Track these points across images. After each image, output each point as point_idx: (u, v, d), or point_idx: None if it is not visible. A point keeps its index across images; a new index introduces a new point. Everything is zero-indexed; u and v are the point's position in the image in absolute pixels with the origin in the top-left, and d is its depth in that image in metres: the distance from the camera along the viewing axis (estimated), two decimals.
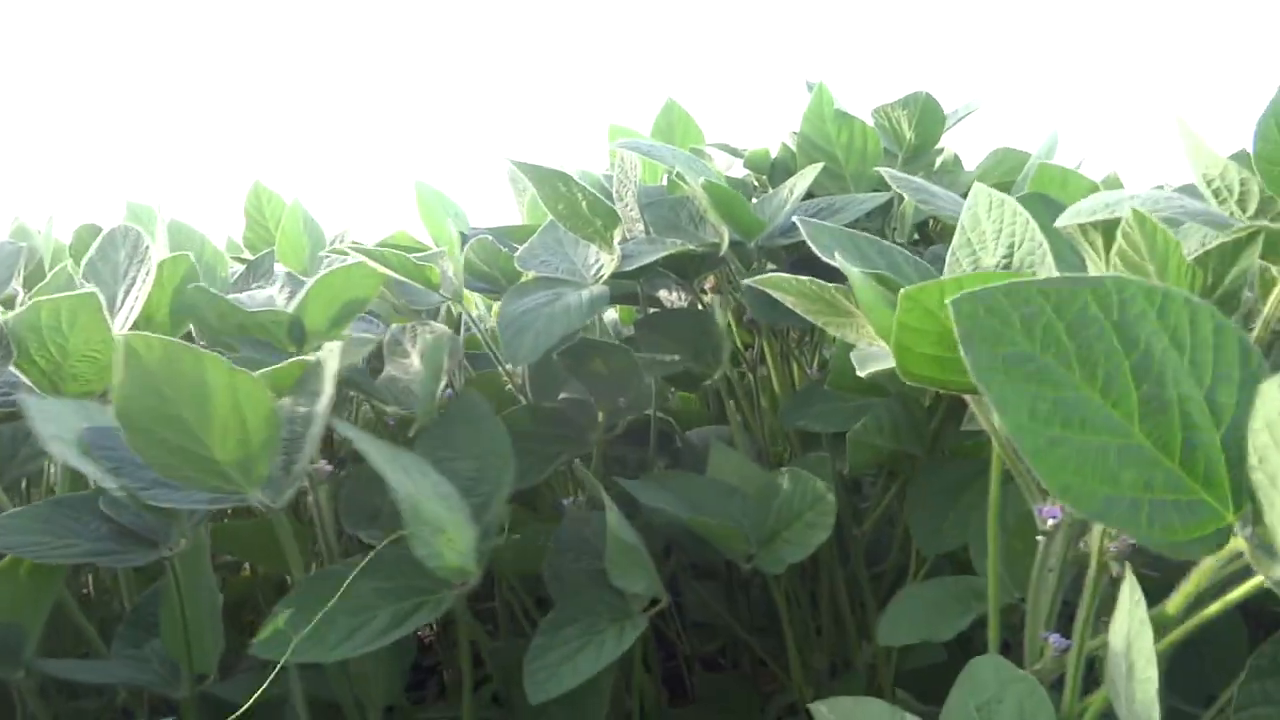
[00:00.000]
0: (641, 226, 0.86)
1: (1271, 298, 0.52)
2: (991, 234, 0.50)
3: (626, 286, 0.91)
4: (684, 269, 0.91)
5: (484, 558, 0.65)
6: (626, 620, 0.66)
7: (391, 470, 0.60)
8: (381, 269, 0.73)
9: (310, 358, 0.66)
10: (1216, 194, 0.53)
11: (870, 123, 0.95)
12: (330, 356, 0.65)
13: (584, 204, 0.72)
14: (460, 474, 0.70)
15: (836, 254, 0.49)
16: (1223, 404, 0.33)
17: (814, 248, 0.53)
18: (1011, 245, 0.49)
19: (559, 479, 0.95)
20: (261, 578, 1.00)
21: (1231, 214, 0.47)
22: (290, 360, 0.65)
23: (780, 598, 0.85)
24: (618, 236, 0.74)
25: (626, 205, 0.88)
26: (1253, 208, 0.52)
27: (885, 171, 0.76)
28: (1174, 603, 0.43)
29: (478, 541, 0.65)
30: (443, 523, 0.60)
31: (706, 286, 1.04)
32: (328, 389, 0.63)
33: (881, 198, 0.82)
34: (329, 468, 0.76)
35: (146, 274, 0.72)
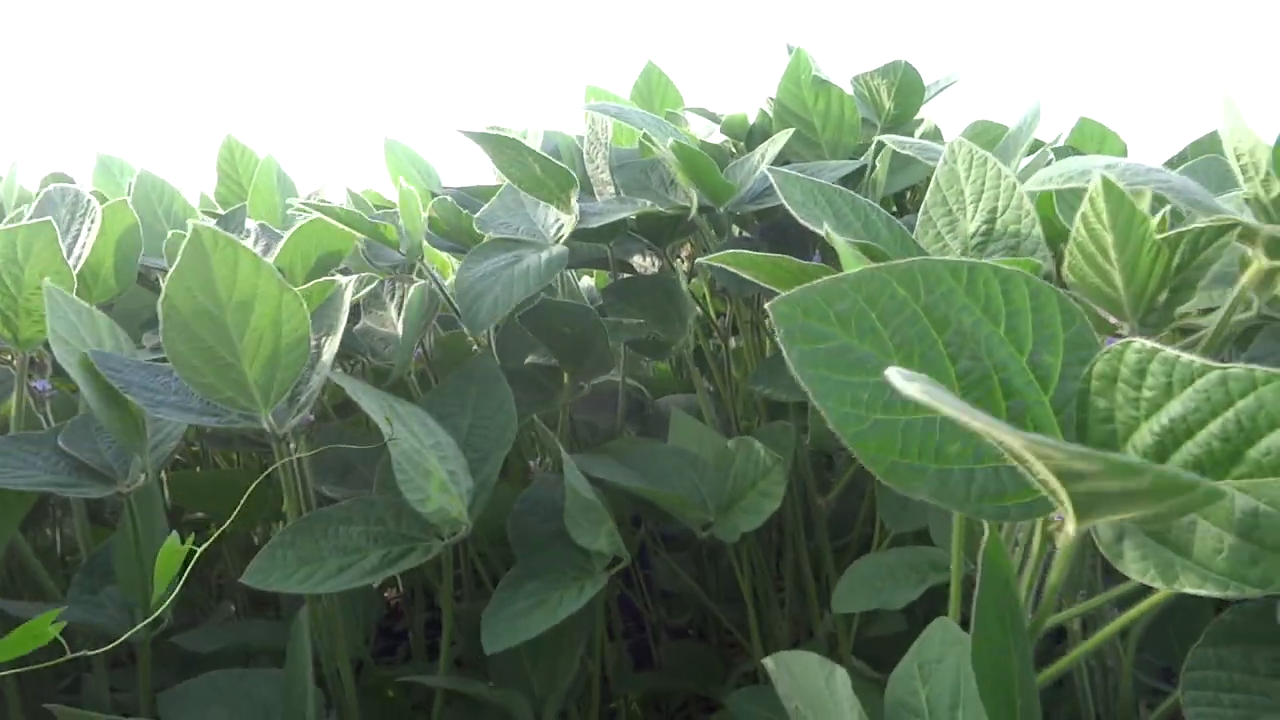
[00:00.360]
0: (613, 189, 0.84)
1: (1239, 284, 0.52)
2: (971, 196, 0.49)
3: (596, 250, 0.90)
4: (656, 234, 0.90)
5: (477, 509, 0.65)
6: (587, 578, 0.66)
7: (385, 417, 0.60)
8: (338, 225, 0.72)
9: (338, 278, 0.65)
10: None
11: (850, 91, 0.94)
12: (348, 286, 0.65)
13: (537, 167, 0.71)
14: (461, 429, 0.69)
15: (825, 225, 0.48)
16: (1048, 364, 0.33)
17: (784, 200, 0.52)
18: (994, 210, 0.48)
19: (527, 443, 0.94)
20: (227, 536, 1.00)
21: (1255, 196, 0.46)
22: (318, 281, 0.64)
23: (743, 567, 0.85)
24: (574, 197, 0.73)
25: (597, 167, 0.87)
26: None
27: (887, 137, 0.75)
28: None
29: (471, 493, 0.64)
30: (436, 471, 0.60)
31: (683, 254, 1.03)
32: (343, 320, 0.62)
33: (855, 165, 0.81)
34: (311, 417, 0.75)
35: (91, 225, 0.71)
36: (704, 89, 1.07)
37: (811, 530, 0.89)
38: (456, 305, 0.67)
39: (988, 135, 0.96)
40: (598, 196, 0.88)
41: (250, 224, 0.97)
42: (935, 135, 1.05)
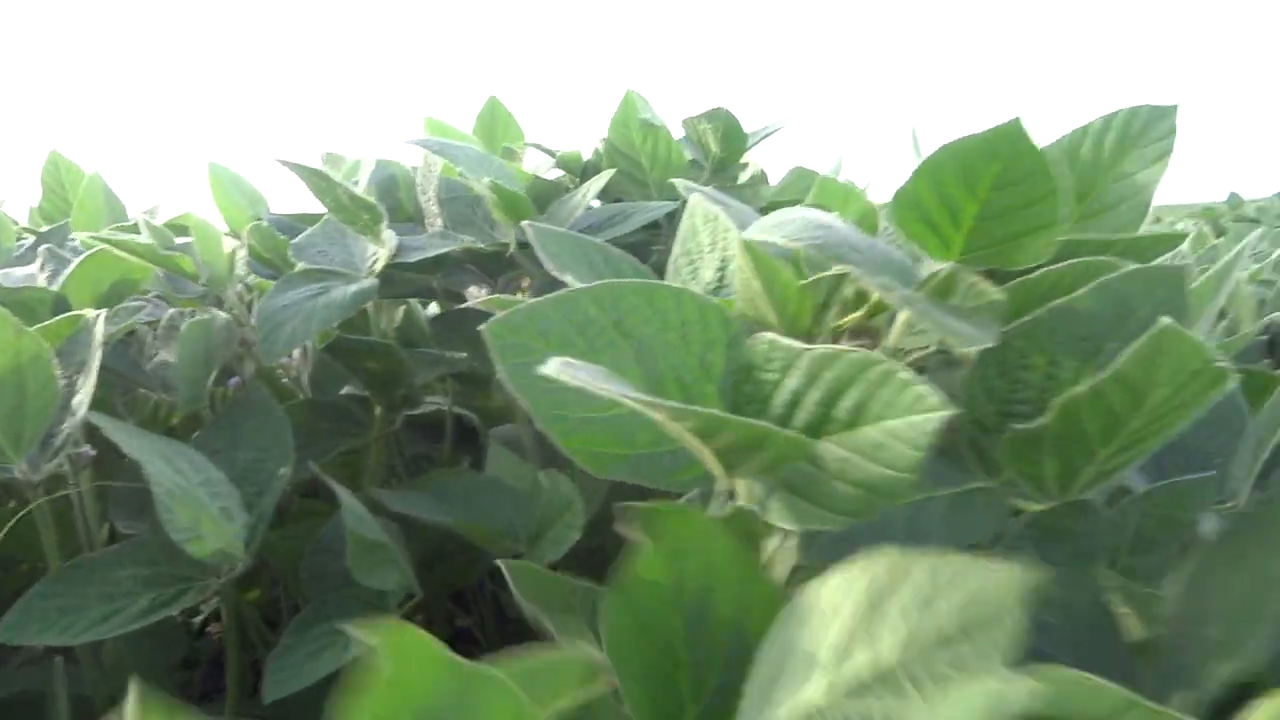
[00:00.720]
0: (441, 222, 0.85)
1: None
2: (707, 247, 0.52)
3: (421, 281, 0.90)
4: (488, 265, 0.91)
5: (254, 544, 0.64)
6: (380, 616, 0.66)
7: (147, 457, 0.59)
8: (126, 256, 0.70)
9: (87, 313, 0.63)
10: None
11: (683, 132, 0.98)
12: (98, 322, 0.63)
13: (346, 199, 0.71)
14: (238, 462, 0.68)
15: (567, 275, 0.51)
16: (712, 362, 0.41)
17: (539, 252, 0.54)
18: (724, 260, 0.51)
19: (350, 477, 0.94)
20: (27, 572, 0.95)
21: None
22: (58, 319, 0.62)
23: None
24: (384, 230, 0.73)
25: (429, 199, 0.88)
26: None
27: (679, 182, 0.78)
28: None
29: (248, 528, 0.64)
30: (204, 508, 0.59)
31: (523, 284, 1.04)
32: (96, 358, 0.60)
33: (668, 206, 0.84)
34: (92, 452, 0.73)
35: None
36: (567, 125, 1.09)
37: None
38: (258, 332, 0.67)
39: (803, 181, 1.01)
40: (429, 228, 0.88)
41: (75, 240, 0.93)
42: (761, 178, 1.10)
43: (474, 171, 0.77)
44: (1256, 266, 1.47)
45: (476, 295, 1.02)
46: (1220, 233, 3.27)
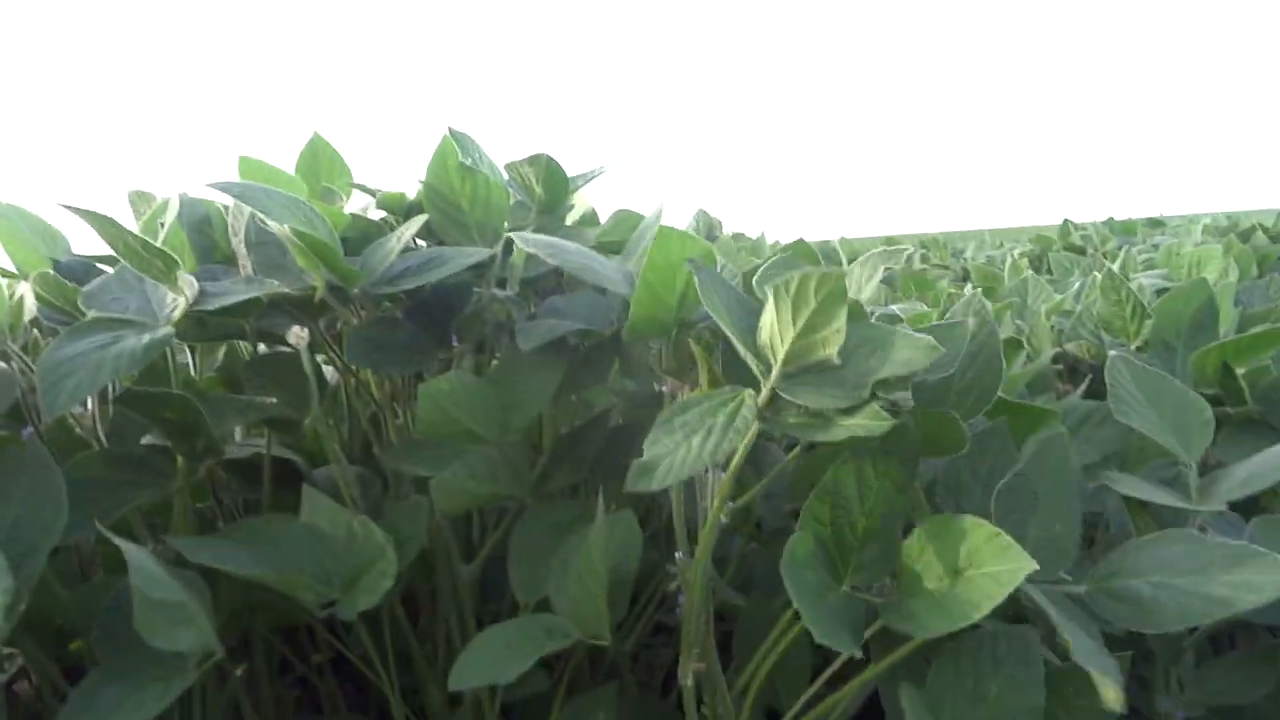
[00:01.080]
0: (250, 266, 0.84)
1: None
2: None
3: (234, 325, 0.89)
4: (306, 310, 0.90)
5: (17, 609, 0.61)
6: (176, 675, 0.64)
7: None
8: None
9: None
10: None
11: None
12: None
13: (139, 246, 0.69)
14: (5, 522, 0.65)
15: None
16: None
17: None
18: None
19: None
20: None
21: None
22: None
23: (383, 639, 0.86)
24: (181, 277, 0.72)
25: (240, 241, 0.86)
26: None
27: (515, 235, 0.79)
28: None
29: (14, 591, 0.61)
30: None
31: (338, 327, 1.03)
32: None
33: (484, 252, 0.85)
34: None
35: None
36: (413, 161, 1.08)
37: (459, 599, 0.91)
38: (39, 385, 0.64)
39: (628, 222, 1.04)
40: (241, 271, 0.87)
41: None
42: (592, 218, 1.13)
43: (277, 217, 0.76)
44: (1059, 298, 1.60)
45: (299, 337, 1.01)
46: (1041, 262, 3.50)
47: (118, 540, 0.59)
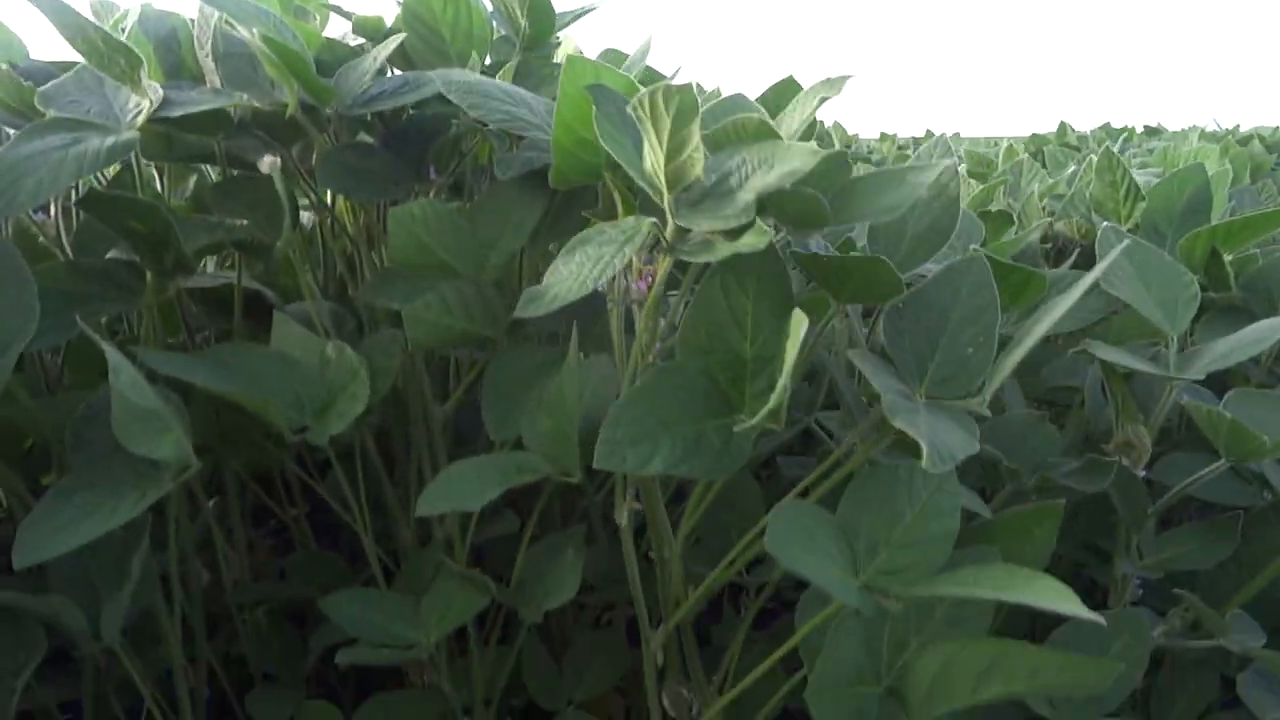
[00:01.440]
0: (217, 79, 0.80)
1: None
2: None
3: (202, 145, 0.85)
4: (277, 132, 0.86)
5: None
6: (150, 485, 0.63)
7: None
8: None
9: None
10: None
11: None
12: None
13: (99, 40, 0.65)
14: None
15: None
16: None
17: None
18: None
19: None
20: None
21: None
22: None
23: (357, 474, 0.85)
24: (144, 78, 0.68)
25: (206, 54, 0.82)
26: None
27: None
28: None
29: None
30: None
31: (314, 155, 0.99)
32: None
33: (467, 76, 0.81)
34: None
35: None
36: None
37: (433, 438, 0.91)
38: None
39: (615, 60, 1.00)
40: (208, 85, 0.82)
41: None
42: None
43: (247, 24, 0.72)
44: (1053, 180, 1.57)
45: (272, 164, 0.97)
46: (1037, 157, 3.45)
47: (100, 342, 0.57)
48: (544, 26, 0.96)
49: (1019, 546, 0.66)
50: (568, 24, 0.98)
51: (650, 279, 0.67)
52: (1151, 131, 6.49)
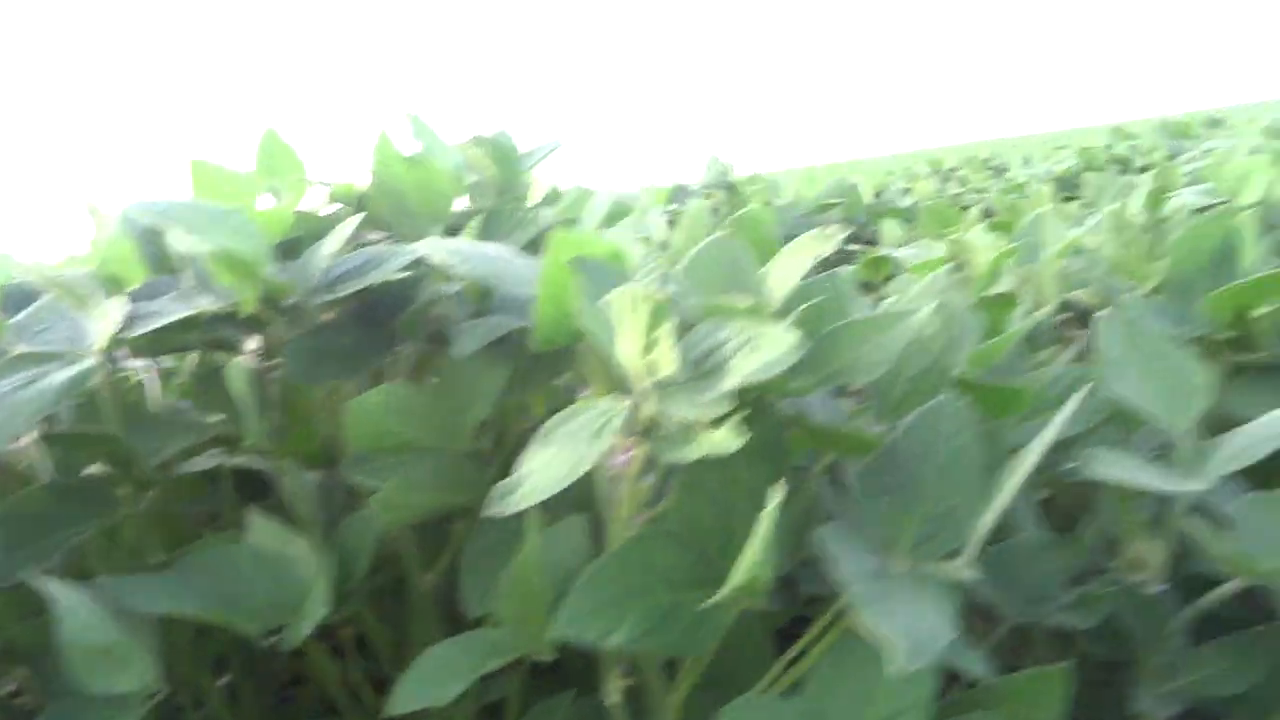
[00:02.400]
0: (192, 279, 0.82)
1: None
2: None
3: (183, 340, 0.87)
4: (251, 322, 0.88)
5: None
6: (120, 717, 0.64)
7: None
8: None
9: None
10: None
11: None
12: None
13: (53, 278, 0.68)
14: None
15: None
16: None
17: None
18: None
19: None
20: None
21: None
22: None
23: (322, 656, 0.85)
24: (107, 304, 0.70)
25: (179, 256, 0.84)
26: None
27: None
28: None
29: None
30: None
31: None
32: None
33: (420, 250, 0.82)
34: None
35: None
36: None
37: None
38: None
39: (584, 200, 1.00)
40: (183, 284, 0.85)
41: None
42: (553, 196, 1.09)
43: (203, 232, 0.74)
44: (1073, 235, 1.49)
45: (236, 364, 0.98)
46: (1076, 182, 3.31)
47: (48, 585, 0.58)
48: (513, 171, 0.97)
49: (1027, 713, 0.62)
50: (531, 166, 0.99)
51: (629, 452, 0.66)
52: (1213, 122, 6.25)
